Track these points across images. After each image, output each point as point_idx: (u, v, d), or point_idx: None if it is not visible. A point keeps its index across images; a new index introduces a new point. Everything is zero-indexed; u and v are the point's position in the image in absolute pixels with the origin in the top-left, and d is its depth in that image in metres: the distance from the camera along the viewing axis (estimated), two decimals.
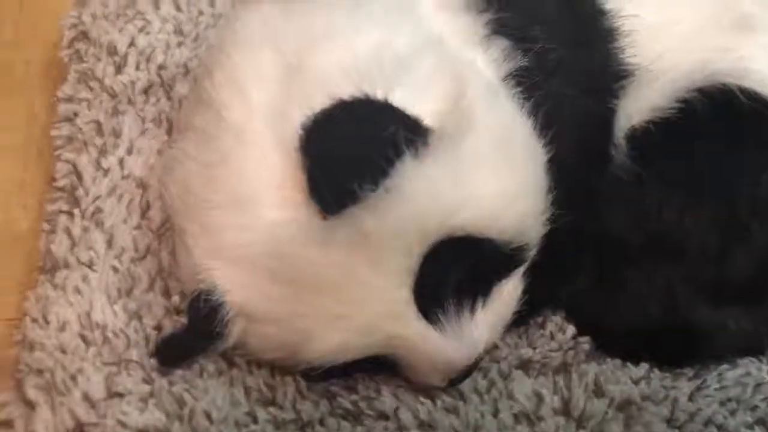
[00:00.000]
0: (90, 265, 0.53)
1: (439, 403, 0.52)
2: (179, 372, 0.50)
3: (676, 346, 0.58)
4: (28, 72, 0.77)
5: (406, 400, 0.52)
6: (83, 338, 0.49)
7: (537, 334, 0.59)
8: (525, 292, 0.53)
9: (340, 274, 0.46)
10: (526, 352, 0.58)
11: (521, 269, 0.52)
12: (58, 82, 0.73)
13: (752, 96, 0.57)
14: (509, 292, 0.52)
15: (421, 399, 0.52)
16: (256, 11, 0.52)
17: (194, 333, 0.48)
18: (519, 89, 0.53)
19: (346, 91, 0.46)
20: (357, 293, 0.46)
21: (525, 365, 0.57)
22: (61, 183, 0.62)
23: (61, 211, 0.59)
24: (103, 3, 0.72)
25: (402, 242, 0.46)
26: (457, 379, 0.51)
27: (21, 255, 0.63)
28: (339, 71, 0.47)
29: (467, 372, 0.51)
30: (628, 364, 0.57)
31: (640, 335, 0.58)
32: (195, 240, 0.48)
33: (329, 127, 0.45)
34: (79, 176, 0.60)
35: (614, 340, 0.59)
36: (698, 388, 0.55)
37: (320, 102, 0.45)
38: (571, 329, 0.60)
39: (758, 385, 0.57)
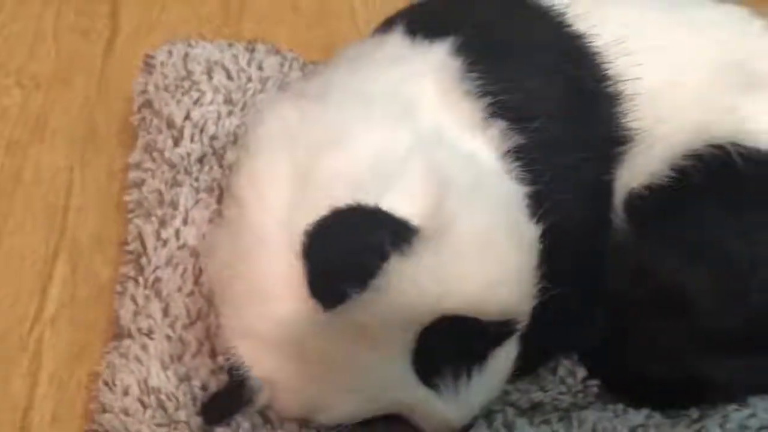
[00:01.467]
0: (149, 334, 0.62)
1: None
2: (219, 429, 0.58)
3: (683, 392, 0.62)
4: (109, 129, 0.83)
5: None
6: (141, 402, 0.58)
7: (548, 378, 0.64)
8: (536, 341, 0.58)
9: (345, 356, 0.53)
10: (537, 396, 0.63)
11: (514, 337, 0.57)
12: (134, 140, 0.79)
13: (752, 155, 0.58)
14: (503, 356, 0.57)
15: None
16: (277, 115, 0.58)
17: (230, 398, 0.57)
18: (518, 164, 0.57)
19: (345, 198, 0.51)
20: (361, 371, 0.53)
21: (536, 408, 0.63)
22: (131, 246, 0.70)
23: (129, 276, 0.67)
24: (163, 73, 0.79)
25: (395, 329, 0.52)
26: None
27: (103, 308, 0.70)
28: (339, 179, 0.53)
29: (466, 429, 0.57)
30: (629, 410, 0.62)
31: (647, 382, 0.62)
32: (226, 320, 0.57)
33: (324, 234, 0.51)
34: (144, 244, 0.68)
35: (622, 385, 0.64)
36: None
37: (324, 209, 0.51)
38: (581, 372, 0.65)
39: (761, 429, 0.60)
